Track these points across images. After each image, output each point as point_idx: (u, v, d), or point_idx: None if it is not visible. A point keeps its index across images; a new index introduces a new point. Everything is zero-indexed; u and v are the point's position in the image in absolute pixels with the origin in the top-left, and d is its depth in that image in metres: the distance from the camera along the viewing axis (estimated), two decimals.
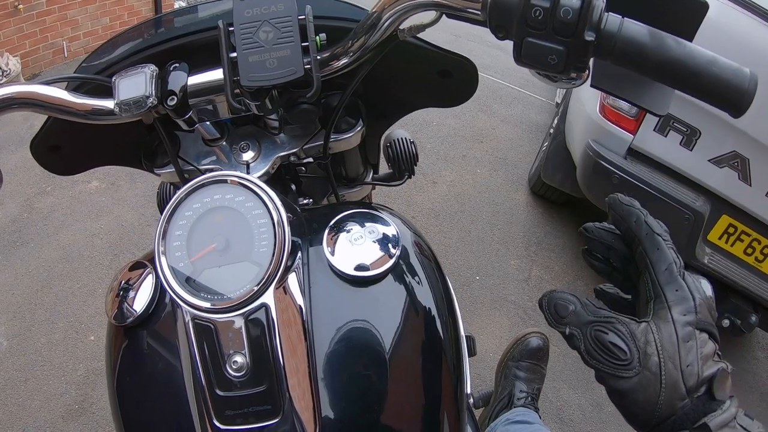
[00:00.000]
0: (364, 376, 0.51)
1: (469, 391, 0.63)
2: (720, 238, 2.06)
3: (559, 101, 3.22)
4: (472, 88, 0.69)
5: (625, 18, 0.42)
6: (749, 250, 2.04)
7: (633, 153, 2.06)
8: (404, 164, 0.92)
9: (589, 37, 0.41)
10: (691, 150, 1.94)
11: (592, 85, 0.52)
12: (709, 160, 1.94)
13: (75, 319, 2.05)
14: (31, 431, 1.71)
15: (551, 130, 2.90)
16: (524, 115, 3.80)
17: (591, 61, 0.46)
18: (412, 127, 3.12)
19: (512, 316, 2.28)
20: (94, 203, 2.60)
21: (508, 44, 0.46)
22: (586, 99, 2.25)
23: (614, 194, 0.46)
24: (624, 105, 2.00)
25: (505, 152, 3.35)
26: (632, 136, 2.00)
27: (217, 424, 0.45)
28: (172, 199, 0.46)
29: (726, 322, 2.11)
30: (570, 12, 0.40)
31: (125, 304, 0.56)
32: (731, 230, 2.04)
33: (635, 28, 0.42)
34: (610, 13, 0.42)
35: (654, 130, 1.98)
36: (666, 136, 1.97)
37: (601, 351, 0.39)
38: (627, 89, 0.53)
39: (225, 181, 0.46)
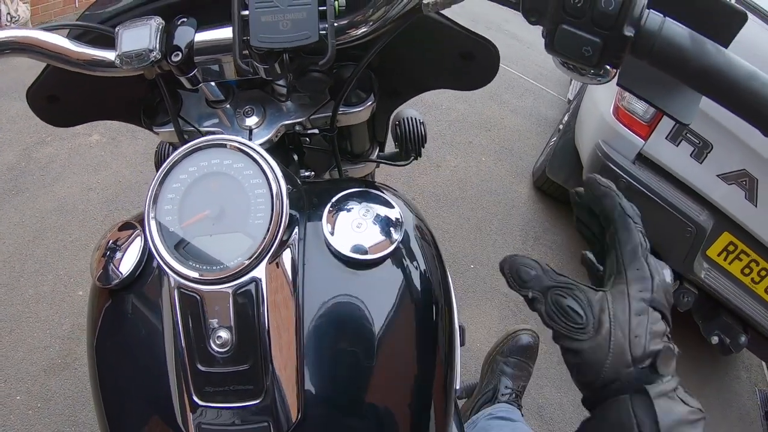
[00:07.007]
0: (352, 363, 0.49)
1: (458, 384, 0.61)
2: (719, 255, 2.03)
3: (571, 98, 3.17)
4: (491, 74, 0.66)
5: (667, 18, 0.40)
6: (746, 270, 2.02)
7: (642, 159, 2.02)
8: (412, 145, 0.90)
9: (629, 32, 0.39)
10: (700, 163, 1.91)
11: (618, 84, 0.50)
12: (717, 175, 1.90)
13: (64, 273, 2.03)
14: (12, 382, 1.70)
15: (561, 126, 2.86)
16: (534, 108, 3.75)
17: None
18: (420, 109, 3.09)
19: (503, 309, 2.27)
20: (94, 157, 2.57)
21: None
22: (600, 99, 2.21)
23: (592, 175, 0.47)
24: (639, 109, 1.96)
25: (511, 143, 3.32)
26: (643, 141, 1.97)
27: (196, 399, 0.43)
28: (168, 160, 0.44)
29: (715, 339, 2.10)
30: (612, 3, 0.38)
31: (111, 265, 0.54)
32: (731, 248, 2.01)
33: (677, 30, 0.39)
34: (651, 10, 0.40)
35: (666, 138, 1.94)
36: (677, 146, 1.93)
37: (559, 314, 0.41)
38: (653, 93, 0.51)
39: (224, 146, 0.44)
